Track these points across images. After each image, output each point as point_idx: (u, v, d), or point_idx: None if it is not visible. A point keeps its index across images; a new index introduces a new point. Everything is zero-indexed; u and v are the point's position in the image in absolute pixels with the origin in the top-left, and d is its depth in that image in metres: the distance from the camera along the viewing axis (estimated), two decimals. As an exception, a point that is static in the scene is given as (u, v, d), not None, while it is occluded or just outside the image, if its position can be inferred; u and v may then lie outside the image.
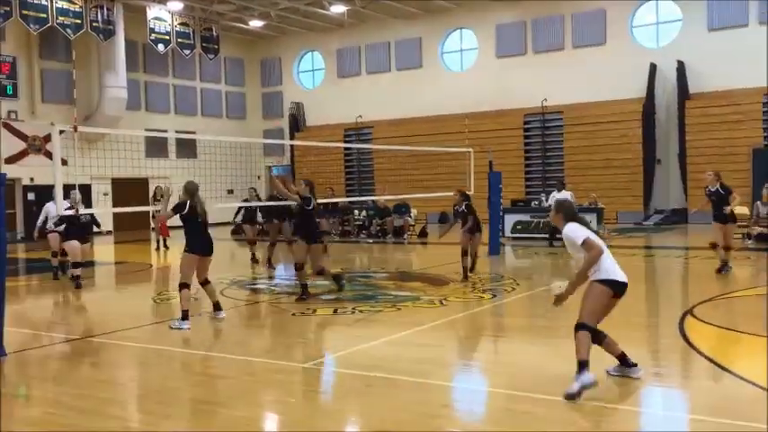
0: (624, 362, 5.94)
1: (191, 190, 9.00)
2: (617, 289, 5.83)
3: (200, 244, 8.95)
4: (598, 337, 5.77)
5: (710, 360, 6.60)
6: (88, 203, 22.68)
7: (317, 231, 10.82)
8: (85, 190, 22.10)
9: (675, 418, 5.32)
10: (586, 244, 5.76)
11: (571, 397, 5.36)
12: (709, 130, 23.64)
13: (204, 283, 9.14)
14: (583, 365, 5.50)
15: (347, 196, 28.22)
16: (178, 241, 19.45)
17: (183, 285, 8.80)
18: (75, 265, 12.11)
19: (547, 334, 8.20)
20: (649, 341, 7.78)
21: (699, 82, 24.25)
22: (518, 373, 6.42)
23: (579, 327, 5.67)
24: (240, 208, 16.81)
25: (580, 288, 5.86)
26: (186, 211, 8.83)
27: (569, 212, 6.10)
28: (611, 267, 5.82)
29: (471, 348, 7.72)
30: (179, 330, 8.49)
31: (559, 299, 5.85)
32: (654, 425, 5.20)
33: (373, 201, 23.22)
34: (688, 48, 24.44)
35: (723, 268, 11.93)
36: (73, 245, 12.12)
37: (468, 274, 12.26)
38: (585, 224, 6.05)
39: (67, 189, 9.39)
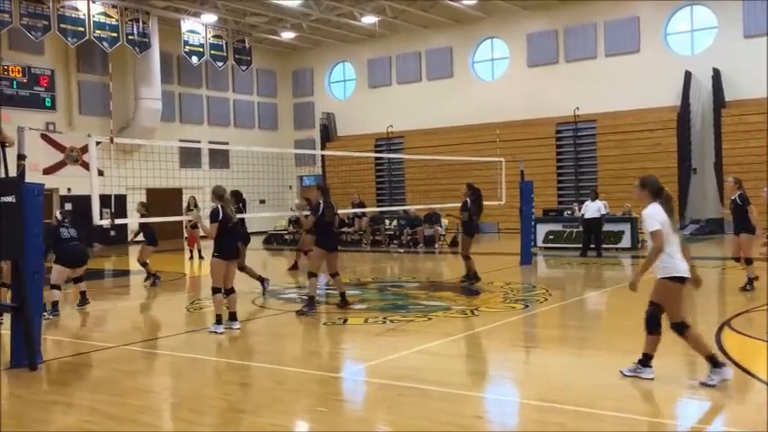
0: (643, 362, 6.23)
1: (218, 193, 9.04)
2: (683, 282, 6.06)
3: (228, 248, 9.00)
4: (681, 329, 6.07)
5: (748, 372, 6.47)
6: (123, 214, 23.05)
7: (336, 239, 10.76)
8: (121, 200, 22.46)
9: (711, 431, 5.23)
10: (653, 235, 5.93)
11: (707, 385, 5.78)
12: (746, 139, 23.24)
13: (229, 291, 9.15)
14: (712, 359, 5.89)
15: (378, 206, 28.27)
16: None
17: (215, 290, 8.92)
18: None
19: (579, 345, 8.12)
20: (685, 352, 7.64)
21: (735, 90, 23.89)
22: (550, 385, 6.36)
23: (679, 327, 6.01)
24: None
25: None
26: (221, 216, 8.89)
27: (655, 189, 6.18)
28: (675, 265, 5.99)
29: (503, 359, 7.67)
30: (215, 335, 8.65)
31: (631, 285, 6.19)
32: (689, 438, 5.11)
33: (404, 210, 23.23)
34: (724, 55, 24.09)
35: (747, 285, 11.04)
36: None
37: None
38: (668, 208, 6.11)
39: (103, 199, 9.55)
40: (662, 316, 6.11)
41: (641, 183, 6.26)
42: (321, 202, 10.33)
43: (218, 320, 8.84)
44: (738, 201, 11.11)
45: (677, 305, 6.07)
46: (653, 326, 6.10)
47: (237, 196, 12.12)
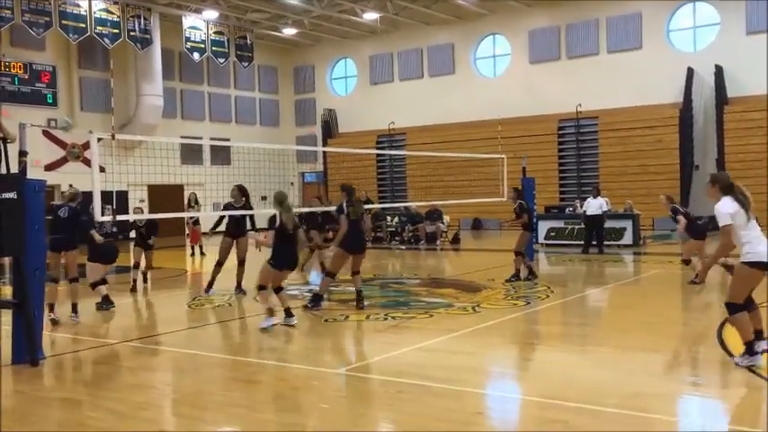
0: (751, 347, 6.22)
1: (278, 199, 8.86)
2: (763, 268, 6.16)
3: (285, 259, 8.80)
4: (749, 308, 6.26)
5: (750, 370, 6.45)
6: (125, 210, 23.04)
7: (363, 239, 10.40)
8: (122, 196, 22.48)
9: (714, 428, 5.22)
10: (722, 231, 6.14)
11: (737, 365, 6.15)
12: (748, 136, 23.20)
13: (278, 290, 9.00)
14: (750, 345, 6.14)
15: (380, 203, 28.26)
16: (214, 249, 19.55)
17: (261, 287, 8.84)
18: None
19: (581, 342, 8.11)
20: (688, 350, 7.64)
21: (737, 86, 23.84)
22: (551, 381, 6.35)
23: (733, 308, 6.19)
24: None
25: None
26: (278, 224, 8.77)
27: (726, 185, 6.32)
28: (757, 251, 6.10)
29: (504, 355, 7.66)
30: (266, 328, 8.64)
31: (700, 278, 6.69)
32: (691, 435, 5.11)
33: (406, 207, 23.23)
34: (726, 52, 24.04)
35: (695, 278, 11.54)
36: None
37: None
38: (741, 200, 6.22)
39: (105, 196, 9.52)
40: (742, 300, 6.25)
41: (712, 179, 6.48)
42: (345, 201, 10.10)
43: (271, 313, 8.78)
44: (672, 214, 12.41)
45: (742, 290, 6.21)
46: (744, 306, 6.24)
47: (242, 191, 12.08)
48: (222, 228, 12.37)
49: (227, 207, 12.15)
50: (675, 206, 12.48)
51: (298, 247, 9.21)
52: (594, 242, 17.84)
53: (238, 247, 12.01)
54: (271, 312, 8.77)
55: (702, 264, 6.32)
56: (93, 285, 10.57)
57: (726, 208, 6.16)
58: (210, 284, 12.09)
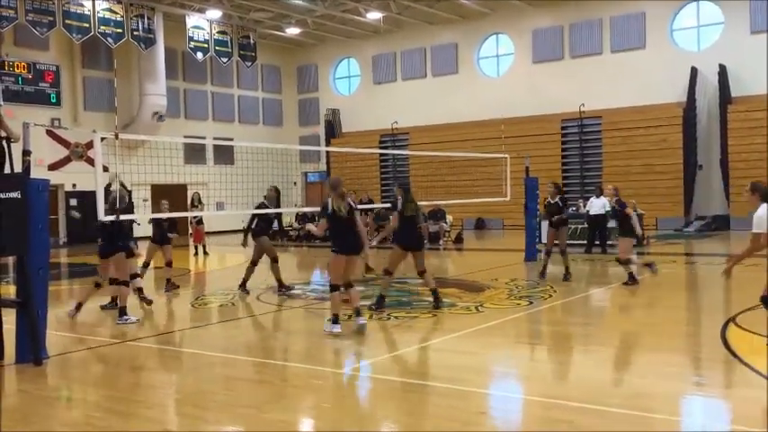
0: None
1: (331, 184, 8.70)
2: None
3: (345, 243, 8.54)
4: None
5: (753, 369, 6.44)
6: (128, 209, 23.07)
7: (419, 236, 10.25)
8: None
9: (717, 429, 5.21)
10: (753, 236, 6.46)
11: None
12: (752, 135, 23.15)
13: (348, 285, 8.61)
14: None
15: (383, 202, 28.23)
16: (217, 249, 19.58)
17: (333, 287, 8.44)
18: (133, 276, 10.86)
19: (584, 341, 8.10)
20: (691, 349, 7.62)
21: (741, 86, 23.79)
22: (554, 381, 6.35)
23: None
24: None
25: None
26: (329, 210, 8.52)
27: (765, 192, 6.63)
28: None
29: (507, 355, 7.65)
30: (331, 333, 8.21)
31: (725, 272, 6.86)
32: (695, 435, 5.09)
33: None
34: (730, 51, 24.00)
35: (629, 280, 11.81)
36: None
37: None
38: None
39: (108, 195, 9.55)
40: None
41: (752, 188, 6.74)
42: (400, 198, 10.01)
43: (335, 320, 8.31)
44: (618, 206, 12.13)
45: None
46: None
47: (278, 192, 12.16)
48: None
49: (260, 207, 12.16)
50: (621, 199, 12.07)
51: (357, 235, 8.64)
52: (598, 242, 17.83)
53: (268, 247, 11.99)
54: (337, 318, 8.32)
55: (729, 261, 6.53)
56: (127, 281, 10.41)
57: (763, 215, 6.42)
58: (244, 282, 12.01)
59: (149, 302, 10.92)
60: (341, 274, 8.46)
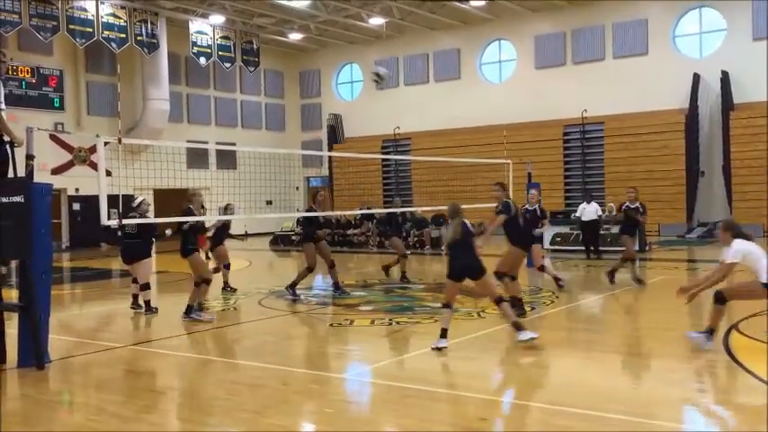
0: None
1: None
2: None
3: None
4: None
5: (756, 376, 6.44)
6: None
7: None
8: (128, 200, 22.50)
9: (719, 436, 5.20)
10: (723, 264, 7.27)
11: None
12: (754, 142, 23.14)
13: (498, 301, 8.03)
14: None
15: (385, 208, 28.26)
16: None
17: (500, 300, 8.03)
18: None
19: (585, 347, 8.09)
20: (694, 356, 7.61)
21: (743, 92, 23.79)
22: (556, 387, 6.34)
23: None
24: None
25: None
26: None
27: (737, 232, 7.36)
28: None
29: (509, 361, 7.65)
30: (437, 349, 7.59)
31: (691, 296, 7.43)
32: (696, 442, 5.09)
33: (411, 212, 23.21)
34: (732, 57, 24.00)
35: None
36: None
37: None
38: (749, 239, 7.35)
39: (111, 199, 9.58)
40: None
41: (724, 226, 7.50)
42: (506, 199, 9.92)
43: (520, 327, 7.80)
44: (641, 208, 12.64)
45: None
46: None
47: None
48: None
49: (309, 211, 12.25)
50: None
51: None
52: (591, 247, 17.99)
53: (324, 251, 12.01)
54: (518, 326, 7.86)
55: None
56: (143, 287, 10.81)
57: (734, 249, 7.23)
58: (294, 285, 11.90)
59: (143, 308, 10.84)
60: (454, 293, 8.16)
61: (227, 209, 13.74)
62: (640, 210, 12.80)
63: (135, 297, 10.96)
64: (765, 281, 7.11)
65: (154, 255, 12.70)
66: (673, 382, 6.43)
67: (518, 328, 7.81)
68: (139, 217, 10.61)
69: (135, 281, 10.91)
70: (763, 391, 6.02)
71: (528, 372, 7.19)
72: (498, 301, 7.93)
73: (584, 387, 6.22)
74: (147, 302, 10.71)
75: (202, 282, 10.01)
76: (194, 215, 10.09)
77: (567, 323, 9.90)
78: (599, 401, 5.68)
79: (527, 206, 12.51)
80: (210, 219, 11.35)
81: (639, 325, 9.49)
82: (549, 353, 7.97)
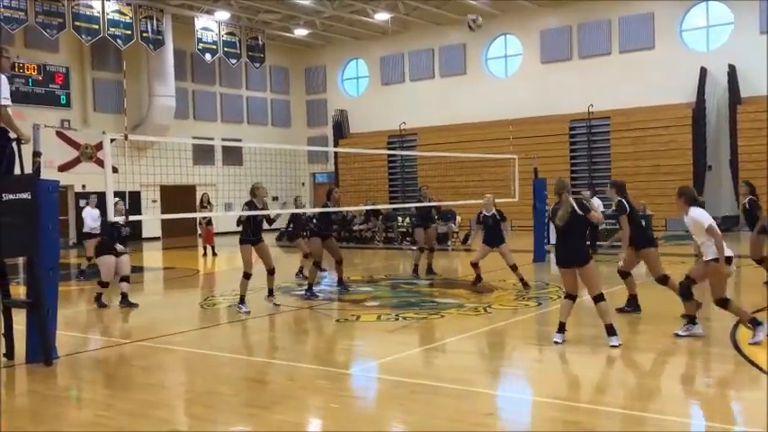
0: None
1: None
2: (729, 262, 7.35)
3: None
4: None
5: (763, 371, 6.42)
6: (137, 210, 23.13)
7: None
8: (135, 197, 22.59)
9: (726, 430, 5.19)
10: (710, 231, 7.33)
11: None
12: (761, 136, 23.01)
13: (597, 299, 7.76)
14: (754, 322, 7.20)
15: (391, 203, 28.26)
16: (226, 249, 19.62)
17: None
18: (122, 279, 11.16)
19: (592, 342, 8.07)
20: (701, 351, 7.59)
21: (751, 86, 23.67)
22: (563, 382, 6.34)
23: (723, 302, 7.34)
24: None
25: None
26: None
27: (691, 197, 7.48)
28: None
29: (516, 356, 7.65)
30: (556, 344, 7.57)
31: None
32: (704, 437, 5.08)
33: (416, 208, 23.17)
34: (739, 51, 23.88)
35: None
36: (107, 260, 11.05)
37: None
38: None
39: (118, 196, 9.61)
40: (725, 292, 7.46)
41: (679, 192, 7.83)
42: (622, 198, 9.44)
43: (612, 331, 7.51)
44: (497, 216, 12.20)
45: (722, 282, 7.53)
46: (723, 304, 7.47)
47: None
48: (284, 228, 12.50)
49: (324, 206, 12.30)
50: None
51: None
52: (599, 243, 17.94)
53: (333, 248, 12.04)
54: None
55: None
56: (122, 279, 11.15)
57: (702, 214, 7.52)
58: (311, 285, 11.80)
59: (134, 305, 10.99)
60: (574, 285, 7.92)
61: (295, 201, 14.33)
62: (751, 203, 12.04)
63: (99, 296, 11.08)
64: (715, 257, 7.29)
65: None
66: (680, 376, 6.42)
67: (610, 332, 7.50)
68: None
69: (123, 279, 11.12)
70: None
71: (534, 366, 7.19)
72: (597, 299, 7.68)
73: (591, 381, 6.21)
74: (125, 295, 11.09)
75: (243, 276, 10.34)
76: (256, 208, 10.27)
77: (573, 318, 9.82)
78: (606, 396, 5.67)
79: (484, 211, 12.27)
80: (272, 212, 11.27)
81: (646, 320, 9.46)
82: (556, 348, 7.97)
